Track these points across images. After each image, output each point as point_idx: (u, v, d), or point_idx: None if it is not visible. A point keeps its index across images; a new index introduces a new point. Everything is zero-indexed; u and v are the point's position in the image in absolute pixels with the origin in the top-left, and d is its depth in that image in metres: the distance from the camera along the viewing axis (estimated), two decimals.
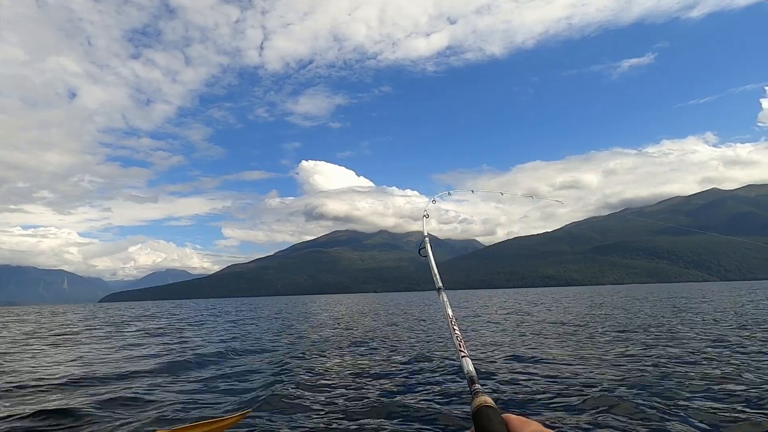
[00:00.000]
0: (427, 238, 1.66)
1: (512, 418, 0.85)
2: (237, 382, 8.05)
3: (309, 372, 8.60)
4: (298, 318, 27.43)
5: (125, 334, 19.28)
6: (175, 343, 14.51)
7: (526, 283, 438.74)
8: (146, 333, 19.35)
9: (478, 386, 0.85)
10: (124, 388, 7.56)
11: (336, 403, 6.13)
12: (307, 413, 5.64)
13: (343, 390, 6.90)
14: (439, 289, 1.45)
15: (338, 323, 21.59)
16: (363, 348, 11.95)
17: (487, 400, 0.81)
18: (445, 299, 1.31)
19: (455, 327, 1.08)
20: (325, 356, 10.70)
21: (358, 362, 9.52)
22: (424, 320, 21.52)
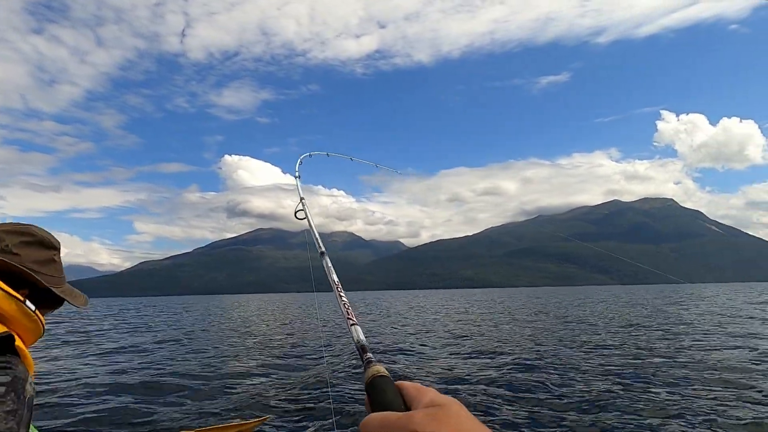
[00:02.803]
0: (304, 200, 1.72)
1: (407, 385, 0.80)
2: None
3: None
4: (196, 322, 25.41)
5: None
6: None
7: (447, 284, 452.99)
8: None
9: (369, 355, 0.81)
10: None
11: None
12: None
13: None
14: (322, 253, 1.37)
15: (242, 326, 20.80)
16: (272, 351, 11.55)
17: (380, 369, 0.79)
18: (329, 264, 1.24)
19: (341, 293, 1.03)
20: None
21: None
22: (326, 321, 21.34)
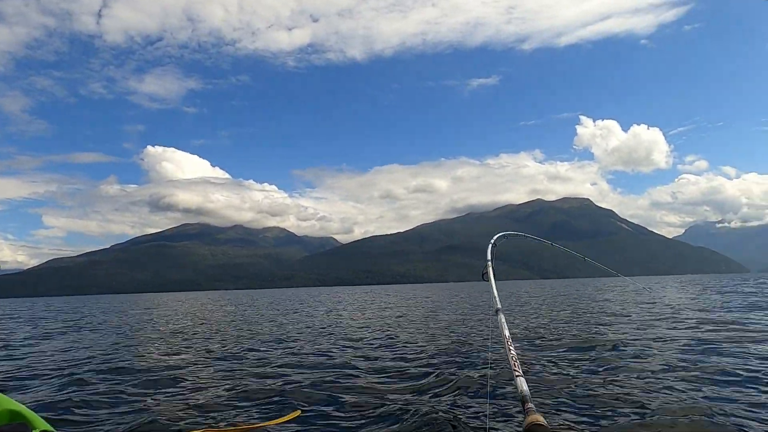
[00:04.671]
0: (489, 263, 1.75)
1: None
2: None
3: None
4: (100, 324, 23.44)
5: None
6: None
7: (379, 280, 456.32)
8: None
9: (530, 405, 0.89)
10: None
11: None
12: None
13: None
14: (497, 310, 1.41)
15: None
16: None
17: (539, 418, 0.82)
18: (503, 320, 1.28)
19: (511, 347, 1.08)
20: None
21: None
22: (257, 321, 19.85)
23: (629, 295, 28.67)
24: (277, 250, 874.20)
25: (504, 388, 5.70)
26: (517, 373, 0.98)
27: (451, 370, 7.17)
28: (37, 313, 36.86)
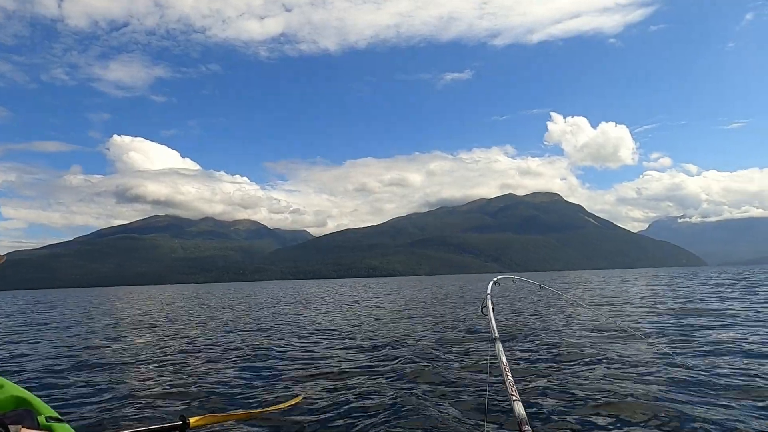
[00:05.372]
0: (489, 296, 1.77)
1: None
2: None
3: None
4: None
5: None
6: None
7: (351, 273, 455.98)
8: None
9: (527, 428, 0.89)
10: None
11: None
12: None
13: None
14: (494, 339, 1.45)
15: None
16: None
17: None
18: (500, 348, 1.33)
19: (508, 373, 1.13)
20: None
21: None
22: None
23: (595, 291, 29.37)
24: (249, 243, 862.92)
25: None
26: (514, 398, 1.03)
27: (450, 374, 7.20)
28: None
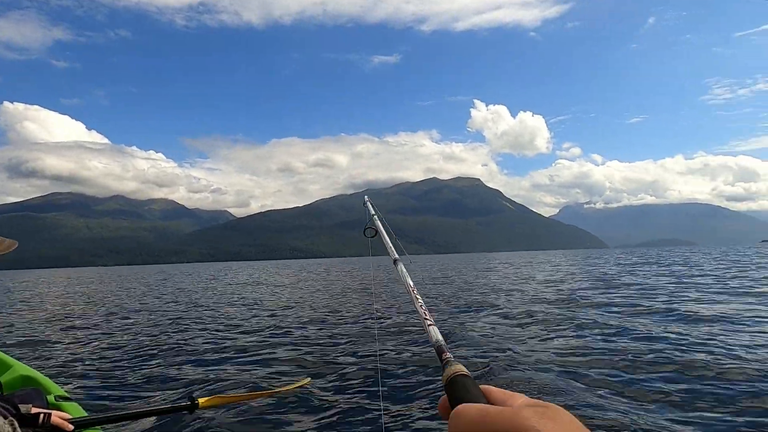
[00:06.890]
0: (375, 217, 1.80)
1: (493, 390, 0.73)
2: None
3: None
4: None
5: None
6: None
7: (275, 255, 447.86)
8: None
9: (448, 355, 0.78)
10: None
11: None
12: None
13: None
14: (395, 260, 1.34)
15: None
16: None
17: (462, 368, 0.72)
18: (404, 269, 1.21)
19: (417, 296, 1.01)
20: None
21: None
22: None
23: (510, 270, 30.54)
24: (165, 224, 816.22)
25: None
26: (429, 323, 0.90)
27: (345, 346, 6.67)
28: None
